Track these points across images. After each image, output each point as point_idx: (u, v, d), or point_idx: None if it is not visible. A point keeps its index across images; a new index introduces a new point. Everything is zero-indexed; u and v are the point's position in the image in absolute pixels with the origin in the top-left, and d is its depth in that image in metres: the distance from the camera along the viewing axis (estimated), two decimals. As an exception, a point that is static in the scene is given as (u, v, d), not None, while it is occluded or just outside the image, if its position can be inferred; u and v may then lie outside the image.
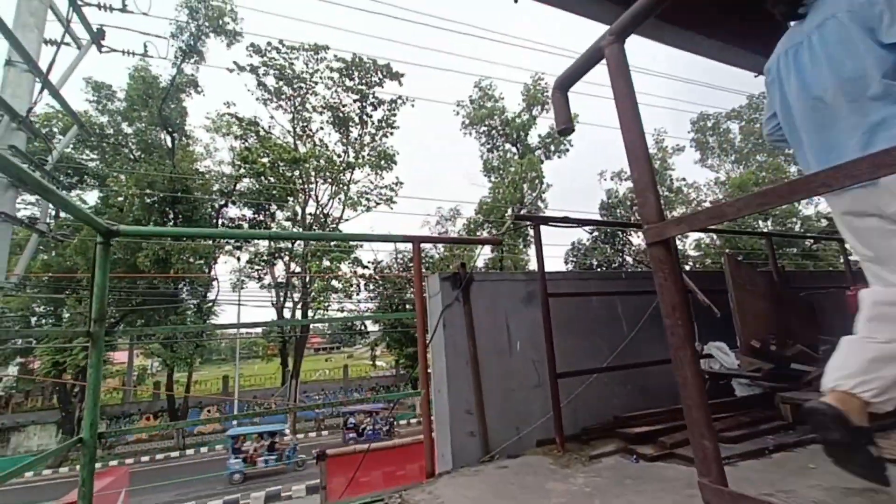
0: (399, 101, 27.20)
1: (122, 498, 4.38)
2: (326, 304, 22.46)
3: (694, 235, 38.45)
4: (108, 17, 5.81)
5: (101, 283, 1.66)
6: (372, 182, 28.81)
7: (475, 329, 2.07)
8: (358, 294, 26.22)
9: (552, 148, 32.85)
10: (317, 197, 26.81)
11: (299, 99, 25.58)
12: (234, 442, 15.76)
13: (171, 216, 20.51)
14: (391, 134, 28.46)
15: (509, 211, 30.32)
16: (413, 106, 27.81)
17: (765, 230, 26.84)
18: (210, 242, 22.64)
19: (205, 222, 22.12)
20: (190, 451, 19.53)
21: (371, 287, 28.56)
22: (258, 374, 33.30)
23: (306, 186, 26.00)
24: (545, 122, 32.54)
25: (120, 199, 18.64)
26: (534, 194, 31.18)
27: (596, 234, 37.82)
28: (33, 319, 19.34)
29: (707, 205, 37.99)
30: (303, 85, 24.78)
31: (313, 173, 25.59)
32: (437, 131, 78.78)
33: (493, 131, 32.49)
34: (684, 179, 36.14)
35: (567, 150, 33.08)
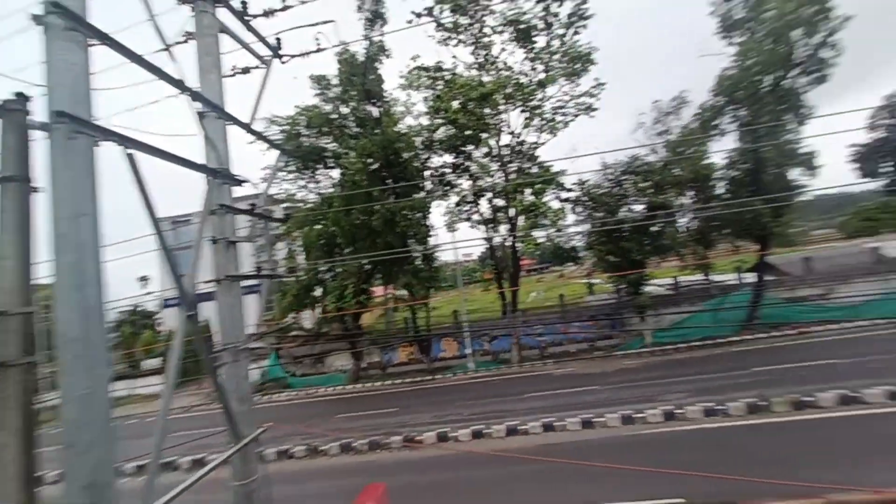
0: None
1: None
2: (534, 241, 21.75)
3: None
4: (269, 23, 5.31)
5: None
6: (567, 93, 25.16)
7: None
8: (563, 220, 24.38)
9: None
10: (509, 126, 25.33)
11: (477, 25, 23.59)
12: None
13: (389, 178, 22.78)
14: (584, 27, 23.62)
15: (770, 79, 21.23)
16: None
17: None
18: (422, 194, 24.50)
19: (414, 177, 23.84)
20: (438, 376, 23.18)
21: (578, 210, 26.20)
22: (481, 300, 36.88)
23: (497, 119, 24.72)
24: None
25: (350, 172, 21.63)
26: (812, 42, 19.99)
27: None
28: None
29: None
30: (477, 7, 22.59)
31: (503, 102, 23.93)
32: None
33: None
34: None
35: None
